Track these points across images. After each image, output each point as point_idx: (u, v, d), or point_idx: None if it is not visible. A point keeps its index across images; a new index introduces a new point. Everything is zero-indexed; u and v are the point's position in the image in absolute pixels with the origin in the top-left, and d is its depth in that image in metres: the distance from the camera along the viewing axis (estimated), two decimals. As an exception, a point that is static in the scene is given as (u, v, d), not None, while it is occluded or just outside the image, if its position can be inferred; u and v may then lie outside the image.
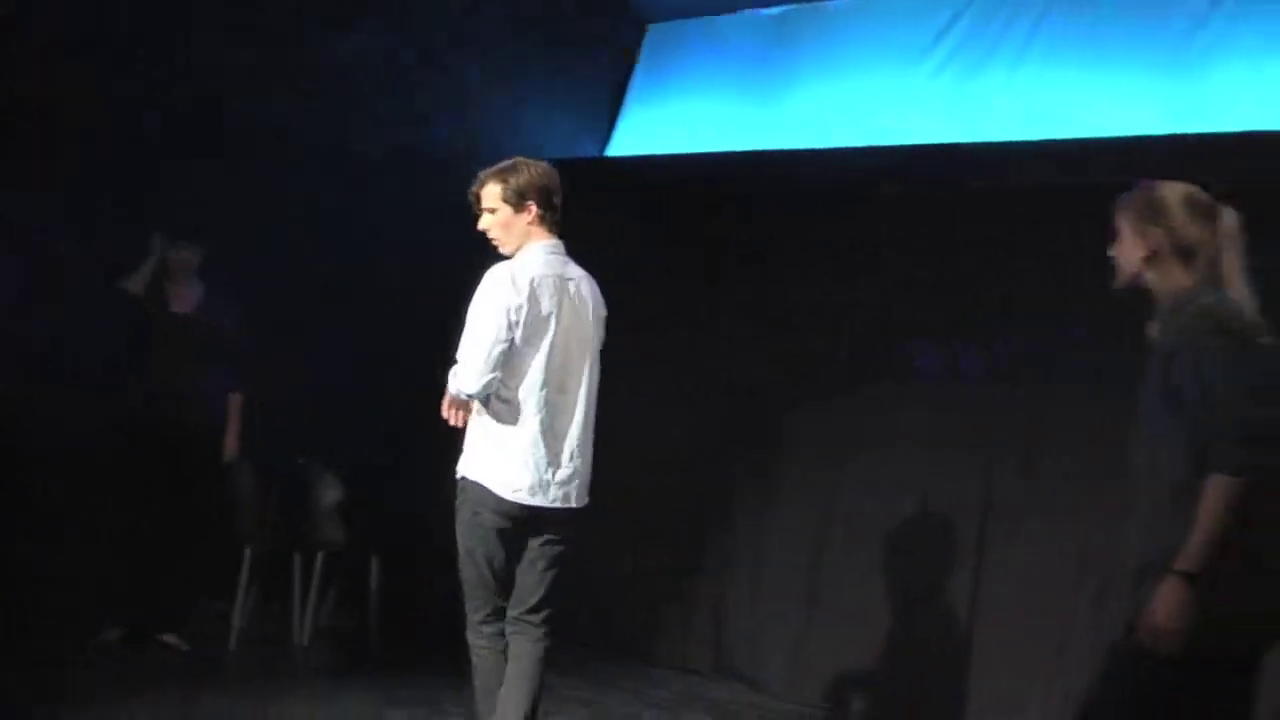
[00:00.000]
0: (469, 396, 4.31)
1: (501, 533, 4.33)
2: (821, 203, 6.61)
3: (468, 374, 4.25)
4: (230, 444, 6.51)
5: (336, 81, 6.76)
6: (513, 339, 4.25)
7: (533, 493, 4.32)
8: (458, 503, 4.39)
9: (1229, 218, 3.34)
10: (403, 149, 7.04)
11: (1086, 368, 5.65)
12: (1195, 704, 3.14)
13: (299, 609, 6.63)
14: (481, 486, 4.31)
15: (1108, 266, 3.47)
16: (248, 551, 6.50)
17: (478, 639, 4.40)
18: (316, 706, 5.64)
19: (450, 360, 4.34)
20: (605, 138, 7.82)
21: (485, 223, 4.48)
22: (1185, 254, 3.31)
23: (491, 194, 4.45)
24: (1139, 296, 3.41)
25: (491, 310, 4.24)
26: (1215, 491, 3.04)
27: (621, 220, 6.70)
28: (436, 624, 6.99)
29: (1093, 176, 5.52)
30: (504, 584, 4.38)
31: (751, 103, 7.26)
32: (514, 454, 4.30)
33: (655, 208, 7.03)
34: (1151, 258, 3.35)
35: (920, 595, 6.03)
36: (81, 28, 5.92)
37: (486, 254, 5.16)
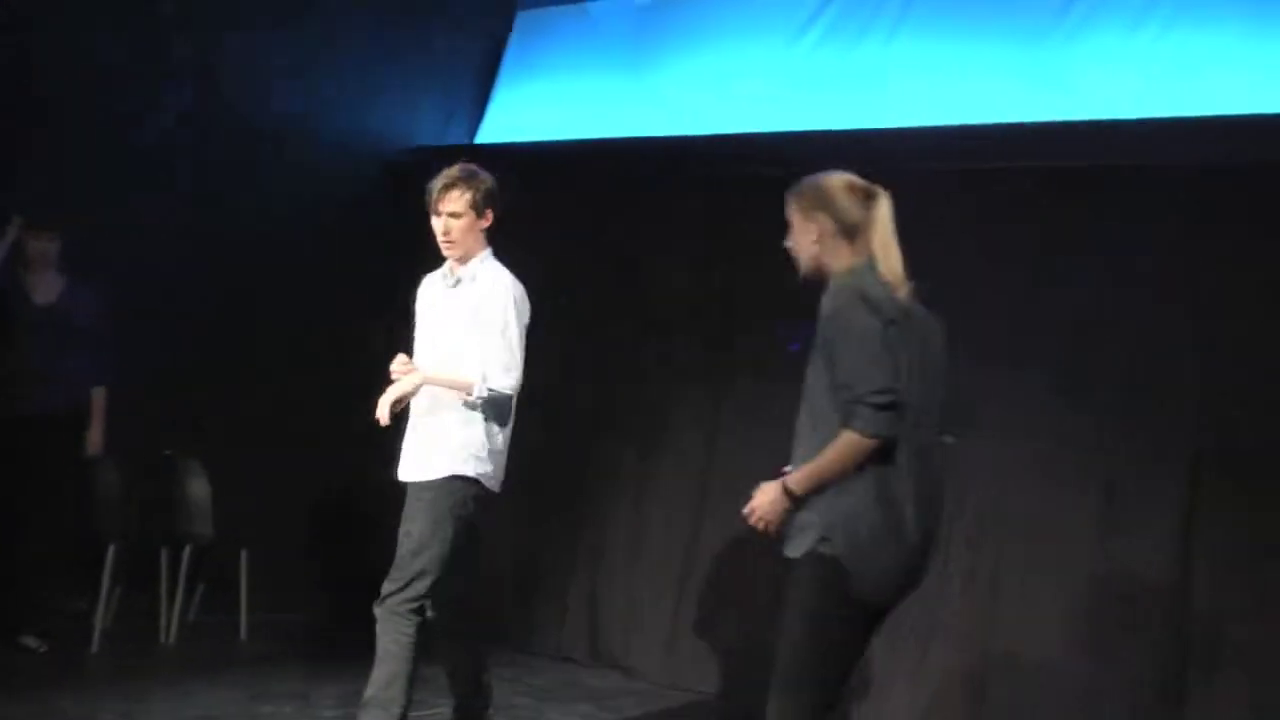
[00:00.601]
0: (502, 396, 4.53)
1: (471, 524, 4.58)
2: (693, 188, 6.63)
3: (512, 374, 4.55)
4: (94, 439, 6.35)
5: (209, 71, 6.67)
6: None
7: (499, 484, 4.66)
8: (444, 498, 4.52)
9: (884, 201, 3.68)
10: (268, 136, 6.93)
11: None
12: (841, 634, 3.63)
13: (166, 605, 6.50)
14: (477, 482, 4.55)
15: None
16: (111, 548, 6.35)
17: (405, 625, 4.50)
18: (184, 705, 5.52)
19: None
20: (475, 125, 7.78)
21: (446, 226, 4.58)
22: (849, 234, 3.68)
23: (460, 199, 4.57)
24: (820, 279, 3.72)
25: (518, 317, 4.59)
26: (840, 441, 3.52)
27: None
28: (307, 618, 6.97)
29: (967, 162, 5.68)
30: (453, 574, 4.56)
31: (625, 86, 7.24)
32: (500, 449, 4.62)
33: (524, 195, 6.97)
34: (820, 240, 3.70)
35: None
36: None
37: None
